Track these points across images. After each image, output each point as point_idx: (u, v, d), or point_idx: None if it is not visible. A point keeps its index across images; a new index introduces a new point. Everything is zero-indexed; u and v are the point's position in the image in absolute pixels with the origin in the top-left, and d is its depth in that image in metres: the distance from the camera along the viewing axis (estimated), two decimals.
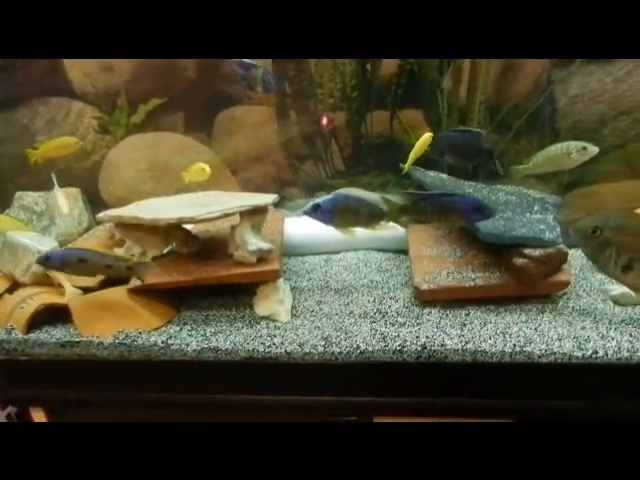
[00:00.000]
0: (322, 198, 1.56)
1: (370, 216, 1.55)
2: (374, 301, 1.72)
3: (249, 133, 2.36)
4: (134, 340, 1.59)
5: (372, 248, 2.08)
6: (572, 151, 1.66)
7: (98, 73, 2.31)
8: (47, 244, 1.82)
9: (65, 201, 1.91)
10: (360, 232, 2.03)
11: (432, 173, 1.99)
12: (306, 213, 1.57)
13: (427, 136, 1.82)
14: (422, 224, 1.62)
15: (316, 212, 1.56)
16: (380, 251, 2.07)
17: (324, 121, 2.18)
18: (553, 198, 1.86)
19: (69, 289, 1.73)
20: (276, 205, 1.98)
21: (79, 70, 2.33)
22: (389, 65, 2.22)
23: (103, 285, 1.78)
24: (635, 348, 1.37)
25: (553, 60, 2.07)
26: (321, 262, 2.04)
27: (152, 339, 1.59)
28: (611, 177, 2.08)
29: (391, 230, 1.62)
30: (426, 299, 1.66)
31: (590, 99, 2.09)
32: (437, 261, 1.74)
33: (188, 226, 1.86)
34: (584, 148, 1.65)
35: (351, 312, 1.67)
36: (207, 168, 1.93)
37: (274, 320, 1.66)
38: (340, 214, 1.56)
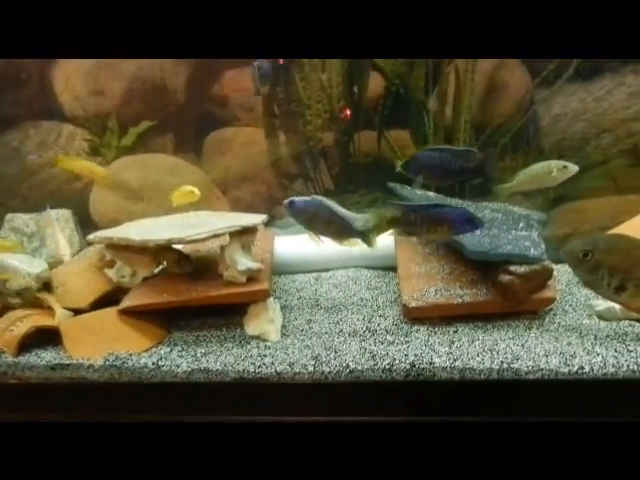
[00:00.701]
0: (300, 197, 1.61)
1: (339, 229, 1.59)
2: (363, 319, 1.74)
3: (238, 153, 2.39)
4: (124, 362, 1.59)
5: (362, 266, 2.10)
6: (553, 170, 1.70)
7: (89, 96, 2.33)
8: (37, 266, 1.82)
9: (66, 244, 1.91)
10: (350, 250, 2.08)
11: (419, 191, 2.01)
12: (285, 206, 1.62)
13: None
14: (412, 235, 1.65)
15: (290, 207, 1.61)
16: (370, 269, 2.08)
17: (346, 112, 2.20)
18: (538, 215, 1.89)
19: (59, 311, 1.73)
20: (266, 224, 2.00)
21: (70, 94, 2.35)
22: (376, 86, 2.26)
23: (94, 306, 1.79)
24: (620, 364, 1.39)
25: (536, 80, 2.11)
26: (311, 280, 2.06)
27: (142, 361, 1.59)
28: (595, 193, 2.12)
29: (357, 246, 1.65)
30: (414, 316, 1.68)
31: (573, 118, 2.13)
32: (425, 278, 1.76)
33: (179, 246, 1.88)
34: (564, 167, 1.70)
35: (341, 330, 1.68)
36: (196, 190, 1.94)
37: (264, 340, 1.67)
38: (311, 217, 1.61)
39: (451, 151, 1.74)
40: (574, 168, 1.72)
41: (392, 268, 2.01)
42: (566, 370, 1.40)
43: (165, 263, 1.83)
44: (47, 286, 1.81)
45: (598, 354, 1.44)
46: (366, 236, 1.56)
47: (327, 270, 2.10)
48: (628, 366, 1.38)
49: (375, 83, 2.25)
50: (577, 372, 1.40)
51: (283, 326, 1.73)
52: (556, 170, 1.71)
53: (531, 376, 1.42)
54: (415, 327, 1.66)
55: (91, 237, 1.87)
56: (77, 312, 1.75)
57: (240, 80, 2.36)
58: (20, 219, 2.15)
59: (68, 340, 1.67)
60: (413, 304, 1.66)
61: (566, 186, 2.02)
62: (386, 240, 1.99)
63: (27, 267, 1.79)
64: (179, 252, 1.82)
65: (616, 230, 1.83)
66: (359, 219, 1.56)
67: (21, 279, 1.77)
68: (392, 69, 2.23)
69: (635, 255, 1.41)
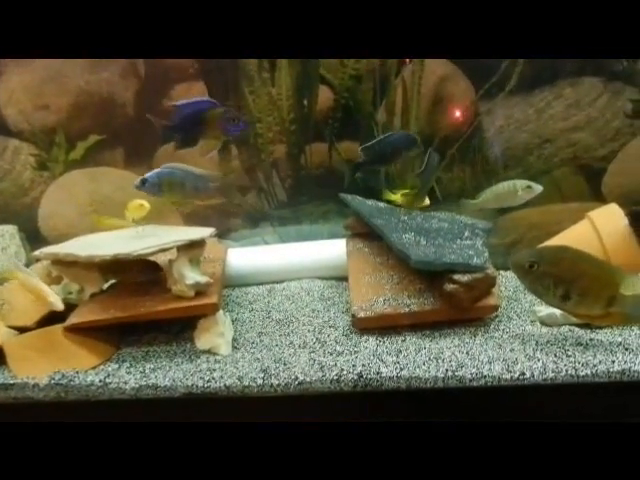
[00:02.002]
0: (150, 172, 1.72)
1: (197, 188, 1.71)
2: (314, 330, 1.75)
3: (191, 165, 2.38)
4: (71, 380, 1.56)
5: (316, 276, 2.11)
6: (518, 189, 1.77)
7: (34, 111, 2.30)
8: None
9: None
10: (305, 260, 2.10)
11: (369, 202, 2.04)
12: (137, 187, 1.72)
13: None
14: None
15: (144, 185, 1.68)
16: (323, 279, 2.10)
17: None
18: (483, 223, 1.94)
19: (3, 330, 1.69)
20: (220, 236, 2.00)
21: (14, 108, 2.32)
22: (325, 99, 2.29)
23: (40, 324, 1.75)
24: (559, 368, 1.43)
25: (479, 93, 2.17)
26: (264, 292, 2.06)
27: (89, 378, 1.56)
28: (539, 201, 2.18)
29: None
30: (363, 326, 1.69)
31: (515, 129, 2.20)
32: (375, 288, 1.78)
33: None
34: (528, 186, 1.78)
35: (291, 342, 1.69)
36: (145, 203, 1.93)
37: (215, 353, 1.66)
38: (167, 186, 1.70)
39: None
40: (538, 188, 1.80)
41: (346, 278, 2.02)
42: (508, 376, 1.44)
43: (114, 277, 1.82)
44: None
45: (539, 360, 1.47)
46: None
47: (281, 282, 2.11)
48: (567, 370, 1.43)
49: (324, 96, 2.28)
50: (519, 378, 1.43)
51: (234, 339, 1.73)
52: (521, 190, 1.78)
53: (475, 383, 1.45)
54: (364, 337, 1.67)
55: (37, 253, 1.83)
56: (22, 330, 1.72)
57: (190, 93, 2.36)
58: None
59: (12, 359, 1.63)
60: (362, 314, 1.68)
61: None
62: (339, 250, 2.03)
63: None
64: (144, 260, 1.80)
65: (557, 238, 1.89)
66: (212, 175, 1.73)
67: None
68: (340, 82, 2.26)
69: (578, 266, 1.47)
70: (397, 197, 1.99)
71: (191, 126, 1.71)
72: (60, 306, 1.68)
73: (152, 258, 1.81)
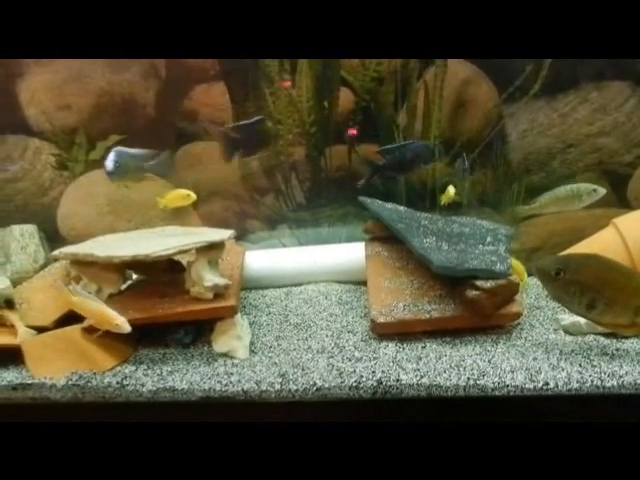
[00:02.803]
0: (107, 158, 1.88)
1: (140, 167, 1.89)
2: (332, 335, 1.73)
3: (209, 167, 2.37)
4: (88, 381, 1.56)
5: (334, 280, 2.09)
6: (583, 194, 1.73)
7: (55, 111, 2.30)
8: None
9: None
10: (323, 263, 2.08)
11: (389, 205, 2.02)
12: (110, 174, 1.89)
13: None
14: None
15: (118, 171, 1.87)
16: (341, 283, 2.08)
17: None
18: (506, 229, 1.90)
19: (22, 329, 1.69)
20: (238, 238, 1.99)
21: (36, 108, 2.32)
22: (346, 102, 2.27)
23: (58, 324, 1.75)
24: (584, 379, 1.40)
25: (503, 96, 2.14)
26: (282, 295, 2.05)
27: (106, 380, 1.56)
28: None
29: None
30: (383, 332, 1.67)
31: (539, 133, 2.16)
32: (394, 293, 1.76)
33: None
34: (594, 190, 1.73)
35: (309, 347, 1.67)
36: (192, 194, 1.96)
37: (232, 357, 1.65)
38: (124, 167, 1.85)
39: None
40: (602, 191, 1.77)
41: (364, 282, 2.00)
42: (531, 386, 1.41)
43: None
44: (9, 303, 1.77)
45: (563, 369, 1.45)
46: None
47: (298, 285, 2.09)
48: (592, 381, 1.39)
49: (345, 98, 2.26)
50: (542, 388, 1.40)
51: (251, 343, 1.72)
52: (586, 194, 1.74)
53: (497, 392, 1.42)
54: (383, 343, 1.65)
55: (56, 253, 1.84)
56: (40, 330, 1.72)
57: (210, 94, 2.35)
58: None
59: (30, 359, 1.63)
60: (381, 320, 1.66)
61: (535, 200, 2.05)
62: (358, 254, 2.01)
63: None
64: (169, 259, 1.79)
65: (581, 245, 1.85)
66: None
67: None
68: (361, 84, 2.24)
69: (605, 275, 1.44)
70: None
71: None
72: (127, 328, 1.56)
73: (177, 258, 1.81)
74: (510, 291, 1.63)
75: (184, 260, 1.80)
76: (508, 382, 1.42)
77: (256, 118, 1.99)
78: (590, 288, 1.44)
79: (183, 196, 1.95)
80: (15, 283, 1.90)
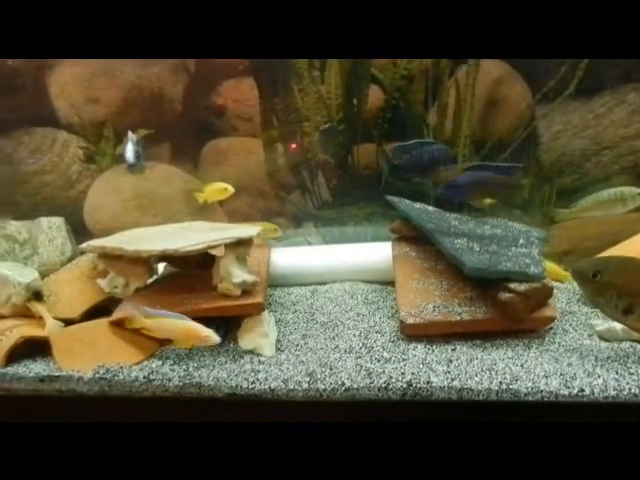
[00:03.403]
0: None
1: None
2: (360, 335, 1.70)
3: (236, 163, 2.37)
4: (115, 375, 1.55)
5: (359, 279, 2.07)
6: (627, 198, 1.69)
7: (84, 104, 2.31)
8: (27, 275, 1.79)
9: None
10: (349, 262, 2.06)
11: (418, 205, 1.99)
12: (131, 168, 1.93)
13: None
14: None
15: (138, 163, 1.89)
16: (367, 283, 2.05)
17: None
18: (538, 231, 1.87)
19: (49, 321, 1.69)
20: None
21: (65, 101, 2.33)
22: (375, 99, 2.25)
23: (85, 317, 1.75)
24: (621, 386, 1.37)
25: (537, 96, 2.10)
26: (307, 293, 2.03)
27: (133, 374, 1.55)
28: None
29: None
30: (412, 333, 1.65)
31: (573, 134, 2.13)
32: (423, 294, 1.73)
33: None
34: (639, 194, 1.69)
35: (336, 346, 1.65)
36: (230, 187, 1.95)
37: (258, 354, 1.64)
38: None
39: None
40: None
41: (389, 282, 1.98)
42: (566, 392, 1.37)
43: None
44: (38, 295, 1.77)
45: (599, 376, 1.41)
46: None
47: (324, 283, 2.08)
48: (630, 389, 1.36)
49: (374, 96, 2.24)
50: (577, 394, 1.37)
51: (278, 340, 1.70)
52: (630, 198, 1.70)
53: (530, 398, 1.39)
54: (412, 344, 1.62)
55: (84, 246, 1.83)
56: (68, 322, 1.72)
57: (238, 90, 2.35)
58: (12, 226, 2.12)
59: (58, 351, 1.63)
60: (410, 321, 1.63)
61: (566, 202, 2.01)
62: (384, 253, 1.98)
63: (17, 276, 1.76)
64: (204, 253, 1.75)
65: (617, 248, 1.81)
66: None
67: (11, 288, 1.74)
68: (392, 82, 2.21)
69: None
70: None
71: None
72: (216, 339, 1.53)
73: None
74: (544, 295, 1.59)
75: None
76: (542, 387, 1.39)
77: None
78: (628, 292, 1.40)
79: (221, 189, 1.96)
80: (42, 275, 1.90)
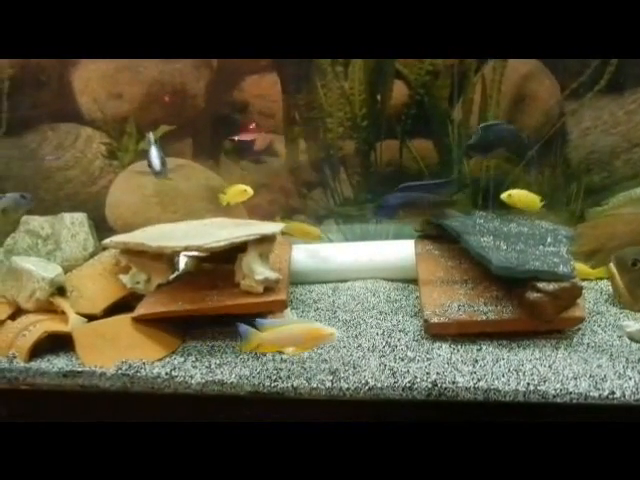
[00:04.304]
0: None
1: None
2: (383, 334, 1.68)
3: (257, 160, 2.35)
4: (137, 371, 1.55)
5: (381, 277, 2.05)
6: None
7: (107, 100, 2.32)
8: (51, 270, 1.80)
9: None
10: (371, 260, 2.04)
11: None
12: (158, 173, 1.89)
13: None
14: None
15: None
16: (389, 280, 2.03)
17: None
18: (566, 230, 1.83)
19: (72, 317, 1.70)
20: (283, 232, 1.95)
21: (89, 96, 2.34)
22: (399, 95, 2.22)
23: (107, 313, 1.76)
24: None
25: (565, 92, 2.06)
26: (329, 291, 2.01)
27: (156, 370, 1.55)
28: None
29: None
30: (436, 332, 1.62)
31: (602, 131, 2.08)
32: (448, 293, 1.71)
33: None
34: None
35: (359, 345, 1.63)
36: (249, 189, 1.95)
37: (280, 352, 1.62)
38: None
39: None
40: None
41: (411, 280, 1.95)
42: (596, 394, 1.34)
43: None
44: (61, 290, 1.78)
45: (630, 378, 1.38)
46: None
47: (345, 281, 2.06)
48: None
49: (399, 92, 2.21)
50: (608, 397, 1.34)
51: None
52: None
53: (559, 399, 1.36)
54: (437, 344, 1.60)
55: (106, 242, 1.84)
56: (90, 318, 1.72)
57: (261, 86, 2.34)
58: (35, 221, 2.12)
59: (81, 347, 1.63)
60: (435, 320, 1.61)
61: (594, 200, 1.97)
62: (406, 251, 1.96)
63: (41, 271, 1.76)
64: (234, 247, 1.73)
65: None
66: None
67: (35, 283, 1.74)
68: (416, 78, 2.18)
69: None
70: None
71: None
72: (338, 335, 1.48)
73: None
74: (573, 295, 1.56)
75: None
76: (571, 389, 1.36)
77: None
78: None
79: (241, 191, 1.95)
80: (65, 270, 1.90)
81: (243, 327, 1.45)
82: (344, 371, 1.49)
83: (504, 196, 1.83)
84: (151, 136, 1.99)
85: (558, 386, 1.37)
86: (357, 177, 2.30)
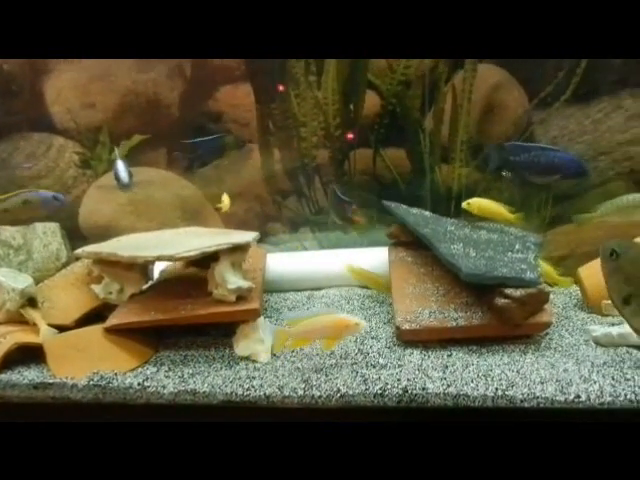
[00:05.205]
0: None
1: None
2: (356, 341, 1.70)
3: (232, 169, 2.36)
4: (109, 382, 1.54)
5: (355, 285, 2.06)
6: None
7: (80, 109, 2.31)
8: (21, 281, 1.78)
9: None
10: (343, 268, 2.06)
11: (414, 210, 1.99)
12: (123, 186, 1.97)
13: None
14: None
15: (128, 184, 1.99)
16: (363, 288, 2.05)
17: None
18: (535, 236, 1.87)
19: (43, 328, 1.69)
20: (259, 241, 1.97)
21: (61, 106, 2.33)
22: (372, 105, 2.25)
23: (80, 323, 1.75)
24: (617, 392, 1.36)
25: (533, 102, 2.10)
26: (303, 299, 2.02)
27: (128, 381, 1.54)
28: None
29: None
30: (408, 339, 1.64)
31: (570, 140, 2.12)
32: (419, 299, 1.73)
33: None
34: None
35: (332, 352, 1.64)
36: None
37: (254, 360, 1.63)
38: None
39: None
40: None
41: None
42: (562, 398, 1.37)
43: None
44: (32, 301, 1.77)
45: (595, 382, 1.40)
46: None
47: (320, 288, 2.07)
48: (625, 395, 1.35)
49: (371, 101, 2.24)
50: (574, 400, 1.36)
51: (273, 346, 1.69)
52: None
53: (526, 404, 1.38)
54: (408, 350, 1.62)
55: (79, 252, 1.83)
56: (62, 329, 1.71)
57: (235, 95, 2.35)
58: (7, 231, 2.11)
59: (52, 358, 1.62)
60: (406, 326, 1.62)
61: (563, 208, 2.01)
62: (381, 258, 1.98)
63: (11, 282, 1.75)
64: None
65: None
66: None
67: (5, 294, 1.73)
68: (388, 88, 2.21)
69: None
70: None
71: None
72: (365, 324, 1.50)
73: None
74: (540, 300, 1.59)
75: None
76: (538, 394, 1.38)
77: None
78: (631, 282, 1.37)
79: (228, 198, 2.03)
80: (37, 281, 1.89)
81: (271, 326, 1.55)
82: (316, 379, 1.50)
83: (464, 204, 1.88)
84: (117, 151, 2.02)
85: (525, 391, 1.39)
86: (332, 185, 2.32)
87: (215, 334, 1.75)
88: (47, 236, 2.08)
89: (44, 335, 1.67)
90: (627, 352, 1.54)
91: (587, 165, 1.92)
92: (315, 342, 1.62)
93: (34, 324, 1.71)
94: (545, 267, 1.84)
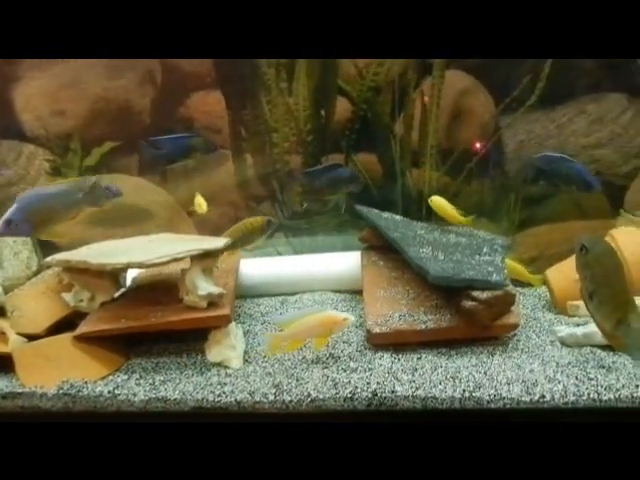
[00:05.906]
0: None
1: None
2: (327, 345, 1.70)
3: (205, 174, 2.36)
4: (79, 390, 1.53)
5: (329, 289, 2.08)
6: None
7: (50, 117, 2.29)
8: None
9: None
10: (318, 272, 2.07)
11: (385, 214, 2.01)
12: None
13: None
14: None
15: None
16: (337, 292, 2.06)
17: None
18: (502, 239, 1.90)
19: (12, 337, 1.67)
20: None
21: (31, 113, 2.31)
22: (343, 111, 2.27)
23: (50, 332, 1.73)
24: (581, 392, 1.39)
25: (500, 107, 2.14)
26: (277, 304, 2.03)
27: (98, 389, 1.53)
28: (560, 217, 2.15)
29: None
30: (378, 342, 1.66)
31: (536, 144, 2.17)
32: (390, 303, 1.75)
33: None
34: None
35: (303, 357, 1.65)
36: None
37: (226, 367, 1.63)
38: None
39: None
40: None
41: (359, 292, 1.98)
42: (528, 399, 1.39)
43: None
44: (1, 310, 1.75)
45: (559, 382, 1.43)
46: None
47: (294, 293, 2.08)
48: (589, 394, 1.38)
49: (342, 107, 2.26)
50: (539, 400, 1.39)
51: (245, 352, 1.70)
52: None
53: (493, 405, 1.40)
54: (379, 353, 1.63)
55: (49, 260, 1.81)
56: (32, 338, 1.69)
57: (207, 102, 2.35)
58: None
59: (21, 367, 1.61)
60: (377, 330, 1.64)
61: (532, 211, 2.04)
62: (353, 263, 1.99)
63: None
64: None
65: None
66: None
67: None
68: (359, 94, 2.24)
69: (610, 274, 1.37)
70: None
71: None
72: (353, 319, 1.59)
73: (157, 269, 1.79)
74: (507, 302, 1.62)
75: (179, 267, 1.78)
76: (504, 394, 1.40)
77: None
78: (594, 279, 1.38)
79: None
80: (7, 290, 1.87)
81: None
82: (287, 384, 1.51)
83: (429, 201, 1.96)
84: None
85: (492, 392, 1.41)
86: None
87: (187, 341, 1.75)
88: (18, 244, 2.07)
89: (13, 344, 1.65)
90: (591, 352, 1.57)
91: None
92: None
93: (3, 333, 1.69)
94: (517, 267, 1.88)
